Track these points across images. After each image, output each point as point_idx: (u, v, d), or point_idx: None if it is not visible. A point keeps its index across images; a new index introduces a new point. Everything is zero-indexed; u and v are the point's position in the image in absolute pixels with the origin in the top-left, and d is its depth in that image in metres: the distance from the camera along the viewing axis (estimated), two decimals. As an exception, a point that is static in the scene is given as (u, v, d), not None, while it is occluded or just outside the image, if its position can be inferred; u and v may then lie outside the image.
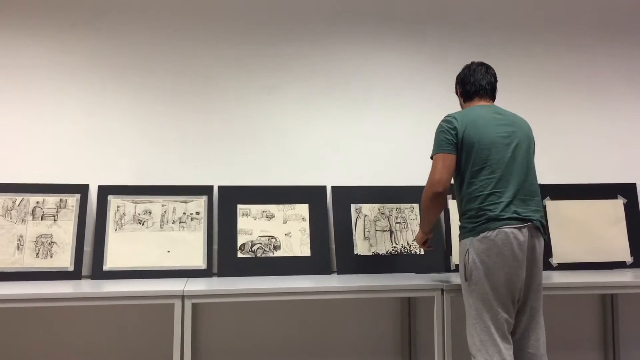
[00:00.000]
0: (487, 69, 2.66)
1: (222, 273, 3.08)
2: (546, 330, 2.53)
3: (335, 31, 3.47)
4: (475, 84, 2.63)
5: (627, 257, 3.35)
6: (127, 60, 3.31)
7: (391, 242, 3.26)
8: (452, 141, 2.49)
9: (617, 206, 3.43)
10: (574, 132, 3.58)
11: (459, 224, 2.54)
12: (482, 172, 2.44)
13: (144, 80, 3.31)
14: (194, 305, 3.07)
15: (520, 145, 2.49)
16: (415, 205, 3.33)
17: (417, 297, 3.27)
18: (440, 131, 2.54)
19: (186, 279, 2.98)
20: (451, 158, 2.49)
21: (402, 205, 3.33)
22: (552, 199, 3.36)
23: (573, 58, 3.62)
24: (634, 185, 3.49)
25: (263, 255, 3.15)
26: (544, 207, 2.53)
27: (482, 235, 2.38)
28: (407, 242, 3.26)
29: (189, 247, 3.11)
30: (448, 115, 2.57)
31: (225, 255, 3.12)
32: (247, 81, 3.39)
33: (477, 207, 2.43)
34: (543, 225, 2.48)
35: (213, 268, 3.13)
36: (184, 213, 3.15)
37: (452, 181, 2.54)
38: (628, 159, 3.59)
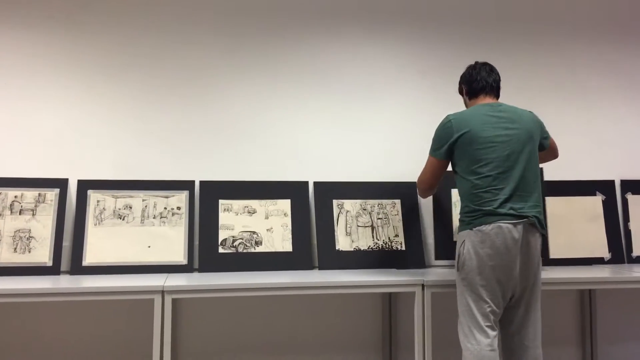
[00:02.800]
0: (492, 68, 2.73)
1: (203, 268, 3.07)
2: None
3: (320, 27, 3.47)
4: (482, 81, 2.68)
5: (605, 254, 3.40)
6: (108, 54, 3.27)
7: (373, 237, 3.27)
8: (445, 144, 2.59)
9: (595, 203, 3.47)
10: (553, 130, 3.58)
11: (459, 217, 2.62)
12: (479, 170, 2.50)
13: (126, 74, 3.28)
14: (174, 301, 3.06)
15: (520, 142, 2.53)
16: (397, 201, 3.35)
17: (397, 292, 3.29)
18: (437, 131, 2.66)
19: (167, 274, 2.96)
20: (440, 165, 2.66)
21: (384, 201, 3.34)
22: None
23: (553, 56, 3.65)
24: (612, 182, 3.53)
25: (244, 251, 3.14)
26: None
27: (477, 228, 2.46)
28: (389, 238, 3.27)
29: (169, 242, 3.09)
30: (447, 116, 2.63)
31: (206, 251, 3.10)
32: (231, 76, 3.37)
33: (475, 203, 2.50)
34: (540, 222, 2.51)
35: (194, 263, 3.12)
36: (165, 208, 3.13)
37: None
38: (607, 156, 3.63)
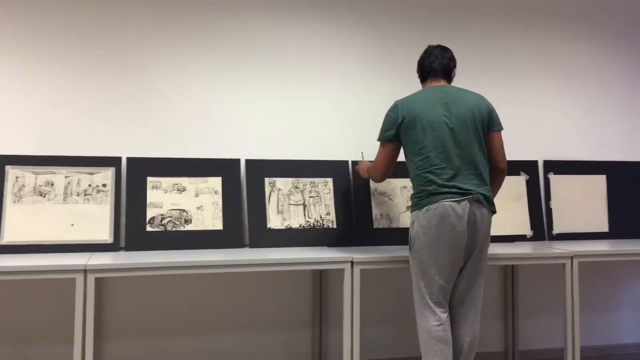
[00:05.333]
0: (443, 51, 2.77)
1: (130, 247, 2.99)
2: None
3: (254, 3, 3.40)
4: (429, 65, 2.75)
5: (528, 231, 3.53)
6: (28, 25, 3.10)
7: (304, 216, 3.27)
8: (391, 127, 2.67)
9: (519, 182, 3.59)
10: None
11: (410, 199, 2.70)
12: (421, 151, 2.58)
13: (48, 44, 3.12)
14: (98, 281, 2.99)
15: (460, 122, 2.58)
16: (330, 180, 3.35)
17: (328, 270, 3.32)
18: (385, 116, 2.73)
19: (91, 253, 2.86)
20: (390, 147, 2.72)
21: (316, 180, 3.35)
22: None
23: (483, 43, 3.72)
24: (535, 162, 3.66)
25: (173, 229, 3.08)
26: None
27: (425, 208, 2.54)
28: (320, 216, 3.28)
29: (94, 220, 2.99)
30: (395, 101, 2.71)
31: (133, 229, 3.02)
32: (160, 50, 3.27)
33: (420, 184, 2.59)
34: (487, 198, 2.58)
35: (120, 242, 3.03)
36: (90, 185, 3.02)
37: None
38: (532, 137, 3.76)
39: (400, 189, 3.42)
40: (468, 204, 2.51)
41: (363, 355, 3.37)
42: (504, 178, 2.77)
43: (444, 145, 2.55)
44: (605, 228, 3.66)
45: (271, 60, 3.42)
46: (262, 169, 3.29)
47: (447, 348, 2.53)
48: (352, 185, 3.38)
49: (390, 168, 2.78)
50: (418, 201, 2.58)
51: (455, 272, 2.57)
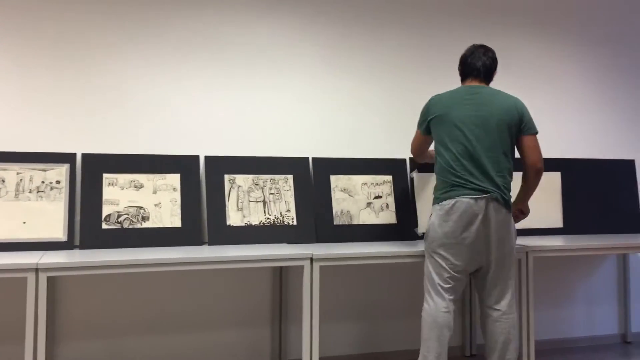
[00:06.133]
0: (486, 52, 2.84)
1: (84, 245, 2.92)
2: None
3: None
4: (472, 64, 2.82)
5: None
6: (-24, 13, 3.00)
7: (264, 212, 3.25)
8: (424, 120, 2.84)
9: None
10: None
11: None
12: (448, 148, 2.69)
13: (-3, 36, 3.03)
14: (51, 280, 2.91)
15: (488, 124, 2.66)
16: (290, 177, 3.34)
17: (288, 267, 3.31)
18: (422, 110, 2.89)
19: (44, 251, 2.79)
20: (423, 138, 2.92)
21: (277, 177, 3.33)
22: (420, 171, 3.49)
23: (439, 43, 3.76)
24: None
25: (130, 227, 3.02)
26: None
27: (443, 202, 2.66)
28: (281, 213, 3.27)
29: (48, 218, 2.91)
30: (432, 96, 2.85)
31: (88, 227, 2.95)
32: (117, 44, 3.20)
33: (443, 178, 2.70)
34: (504, 199, 2.65)
35: (75, 240, 2.96)
36: (43, 182, 2.94)
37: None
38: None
39: (360, 186, 3.43)
40: (485, 202, 2.60)
41: (323, 352, 3.38)
42: (540, 177, 2.84)
43: (469, 143, 2.65)
44: (559, 224, 3.74)
45: (231, 56, 3.38)
46: (222, 165, 3.26)
47: (449, 333, 2.65)
48: (312, 182, 3.37)
49: (418, 153, 3.05)
50: (438, 195, 2.70)
51: (468, 269, 2.67)
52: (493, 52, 2.85)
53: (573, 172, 3.84)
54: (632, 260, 4.00)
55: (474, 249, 2.63)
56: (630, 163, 3.97)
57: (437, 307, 2.65)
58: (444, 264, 2.66)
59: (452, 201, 2.63)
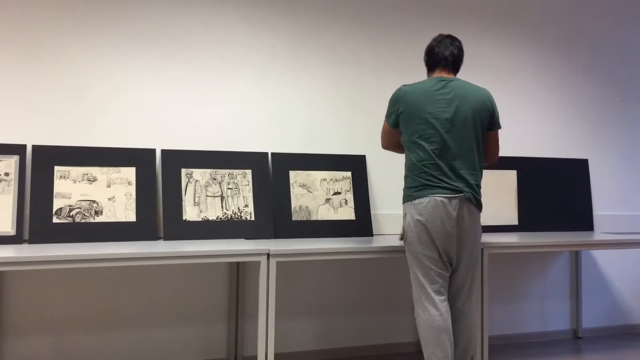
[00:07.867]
0: (453, 42, 2.76)
1: (34, 240, 2.83)
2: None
3: (170, -14, 3.30)
4: (440, 54, 2.74)
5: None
6: None
7: (222, 207, 3.21)
8: (393, 112, 2.72)
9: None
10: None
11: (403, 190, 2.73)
12: (420, 144, 2.61)
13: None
14: (-2, 275, 2.82)
15: (461, 119, 2.61)
16: (248, 172, 3.31)
17: (245, 262, 3.28)
18: (390, 99, 2.76)
19: (-10, 246, 2.70)
20: (393, 131, 2.78)
21: (235, 171, 3.29)
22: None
23: (399, 39, 3.78)
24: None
25: (82, 221, 2.94)
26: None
27: (417, 201, 2.59)
28: (238, 208, 3.23)
29: (-5, 211, 2.81)
30: (401, 86, 2.73)
31: (38, 221, 2.86)
32: (71, 34, 3.11)
33: (414, 176, 2.62)
34: (476, 199, 2.62)
35: (24, 234, 2.87)
36: (-10, 174, 2.84)
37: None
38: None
39: (320, 182, 3.42)
40: (459, 202, 2.56)
41: (280, 348, 3.35)
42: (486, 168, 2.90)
43: (442, 140, 2.58)
44: (515, 221, 3.81)
45: (188, 48, 3.33)
46: (179, 159, 3.20)
47: (448, 337, 2.58)
48: (271, 177, 3.35)
49: (390, 146, 2.89)
50: (411, 193, 2.62)
51: (447, 265, 2.62)
52: (460, 42, 2.79)
53: (528, 170, 3.91)
54: (584, 257, 4.10)
55: (447, 244, 2.58)
56: (584, 163, 4.07)
57: (430, 315, 2.56)
58: (428, 263, 2.59)
59: (425, 199, 2.56)
